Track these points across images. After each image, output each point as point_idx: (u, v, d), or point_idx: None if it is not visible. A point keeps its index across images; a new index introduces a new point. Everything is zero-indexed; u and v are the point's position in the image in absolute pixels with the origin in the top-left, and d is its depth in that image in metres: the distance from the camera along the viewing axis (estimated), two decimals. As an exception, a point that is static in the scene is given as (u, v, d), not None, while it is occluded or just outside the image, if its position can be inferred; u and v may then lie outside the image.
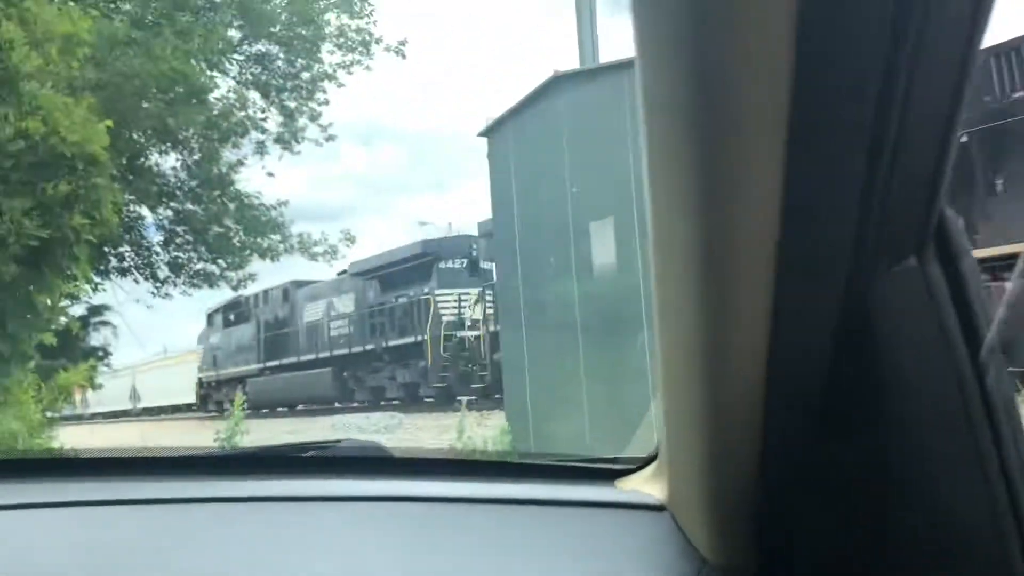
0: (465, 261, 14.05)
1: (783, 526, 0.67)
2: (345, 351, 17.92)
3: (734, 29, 0.44)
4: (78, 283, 5.78)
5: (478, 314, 13.86)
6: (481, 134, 8.75)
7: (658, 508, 0.88)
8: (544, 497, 0.97)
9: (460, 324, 14.96)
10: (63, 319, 5.93)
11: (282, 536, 0.89)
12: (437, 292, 15.15)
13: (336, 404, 17.60)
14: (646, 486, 0.93)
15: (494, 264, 9.31)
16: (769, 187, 0.48)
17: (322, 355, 18.64)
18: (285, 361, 19.68)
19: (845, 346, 0.55)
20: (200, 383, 23.56)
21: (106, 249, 10.97)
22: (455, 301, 14.80)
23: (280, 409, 20.07)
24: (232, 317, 21.65)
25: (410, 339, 15.56)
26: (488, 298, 12.68)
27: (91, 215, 4.84)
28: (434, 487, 0.98)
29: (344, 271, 17.14)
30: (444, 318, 14.84)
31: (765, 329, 0.53)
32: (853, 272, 0.52)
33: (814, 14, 0.43)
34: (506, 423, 8.55)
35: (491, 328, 12.67)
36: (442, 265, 14.99)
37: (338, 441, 1.26)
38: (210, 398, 23.23)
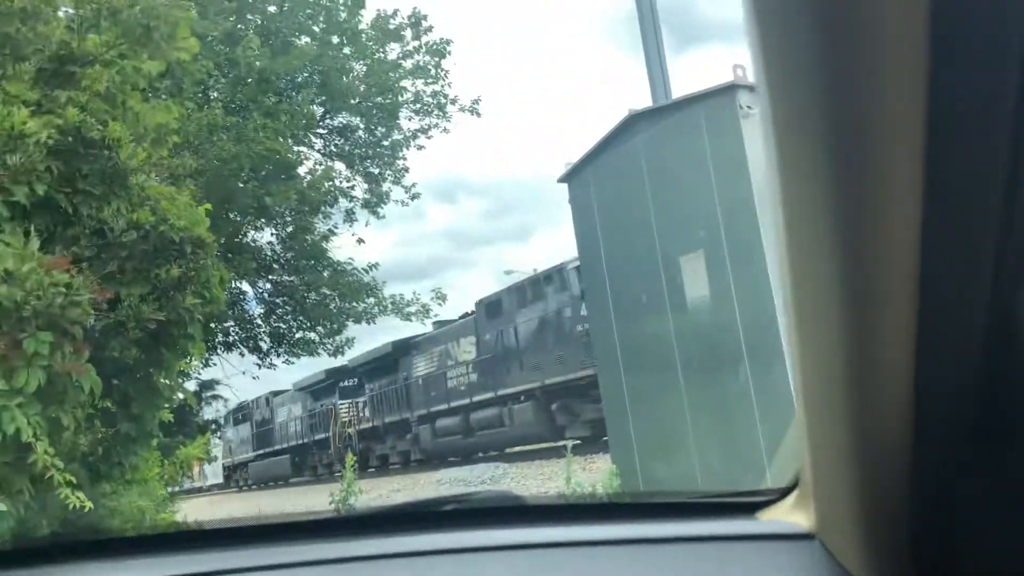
0: None
1: (940, 542, 0.67)
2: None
3: (864, 46, 0.44)
4: (193, 360, 6.03)
5: None
6: (561, 180, 8.83)
7: (806, 537, 0.88)
8: (685, 535, 0.97)
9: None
10: (181, 396, 6.18)
11: None
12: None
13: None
14: (789, 516, 0.92)
15: (585, 307, 9.32)
16: (908, 202, 0.48)
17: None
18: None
19: (994, 356, 0.55)
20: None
21: (212, 325, 11.43)
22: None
23: (385, 467, 21.07)
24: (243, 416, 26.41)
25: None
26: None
27: (202, 295, 5.07)
28: (576, 532, 0.99)
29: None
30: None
31: (911, 345, 0.53)
32: (998, 281, 0.51)
33: (947, 23, 0.42)
34: (612, 465, 8.46)
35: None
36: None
37: (475, 493, 1.28)
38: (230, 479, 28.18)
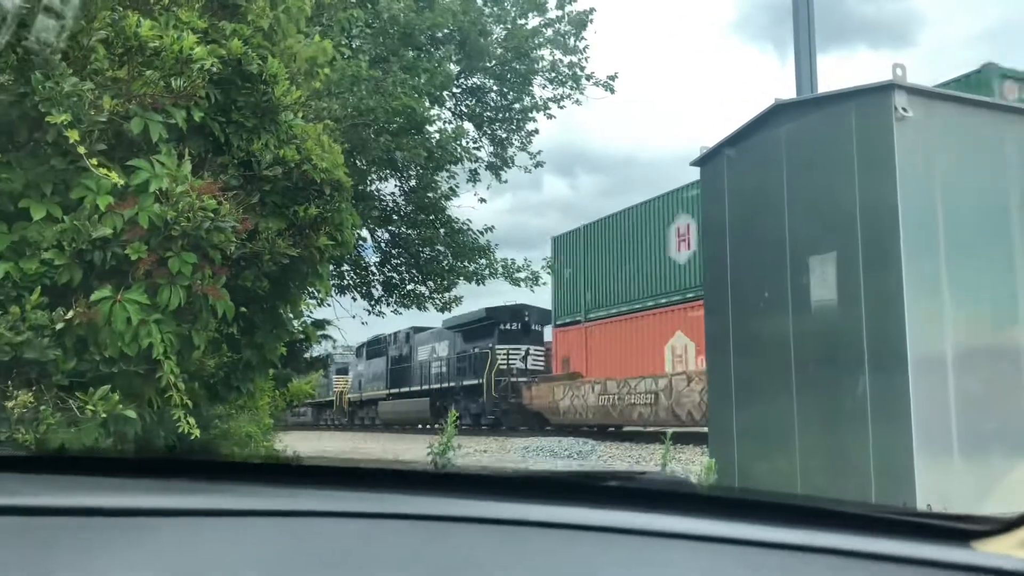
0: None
1: None
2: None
3: None
4: (320, 297, 6.19)
5: None
6: (695, 163, 8.63)
7: None
8: (884, 553, 0.89)
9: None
10: (301, 330, 6.36)
11: (581, 566, 0.86)
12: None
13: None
14: (1018, 551, 0.84)
15: (704, 294, 9.12)
16: None
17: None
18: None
19: None
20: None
21: (331, 268, 11.73)
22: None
23: (477, 426, 21.14)
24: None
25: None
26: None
27: (334, 236, 5.17)
28: (754, 531, 0.92)
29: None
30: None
31: None
32: None
33: None
34: (710, 459, 8.30)
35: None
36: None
37: (642, 473, 1.23)
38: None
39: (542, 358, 20.06)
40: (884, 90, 6.98)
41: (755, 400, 7.92)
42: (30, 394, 3.82)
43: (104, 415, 3.80)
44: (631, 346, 15.77)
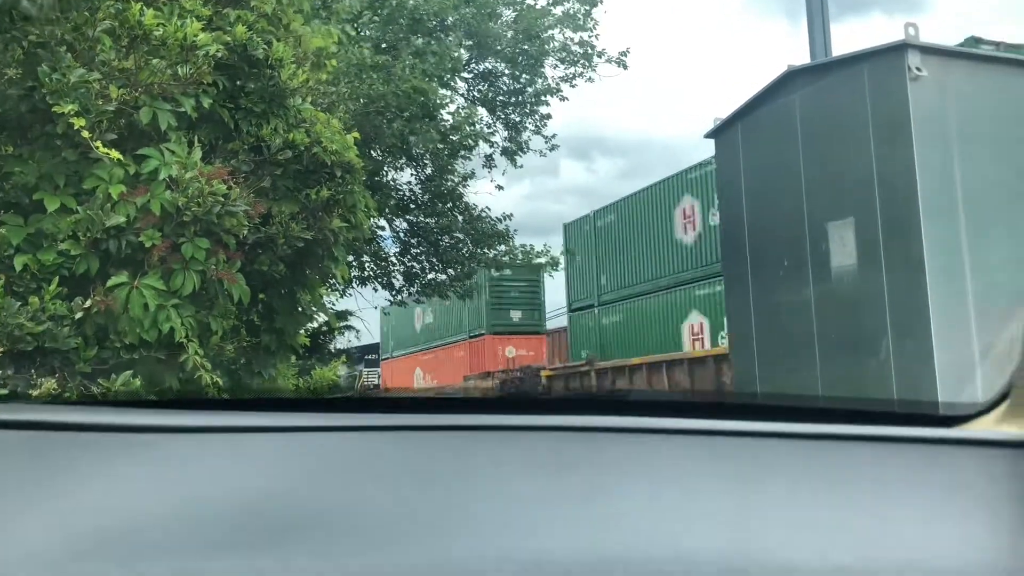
0: None
1: None
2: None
3: None
4: (341, 285, 6.23)
5: None
6: (708, 135, 8.57)
7: (1020, 444, 0.80)
8: (881, 435, 0.91)
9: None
10: (322, 317, 6.40)
11: (610, 464, 0.87)
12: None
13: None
14: (1001, 426, 0.85)
15: (723, 266, 9.07)
16: None
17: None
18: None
19: None
20: None
21: (350, 259, 11.78)
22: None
23: None
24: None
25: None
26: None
27: (347, 219, 5.20)
28: (761, 426, 0.94)
29: None
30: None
31: None
32: None
33: None
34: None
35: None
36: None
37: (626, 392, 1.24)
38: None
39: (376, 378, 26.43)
40: (896, 50, 6.89)
41: (779, 370, 7.87)
42: (53, 382, 3.88)
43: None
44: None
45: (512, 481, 0.85)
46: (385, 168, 13.22)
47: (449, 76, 13.11)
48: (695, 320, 14.53)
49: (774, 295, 7.93)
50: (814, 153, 7.60)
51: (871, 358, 6.96)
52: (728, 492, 0.83)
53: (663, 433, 0.92)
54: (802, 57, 12.40)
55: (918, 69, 6.84)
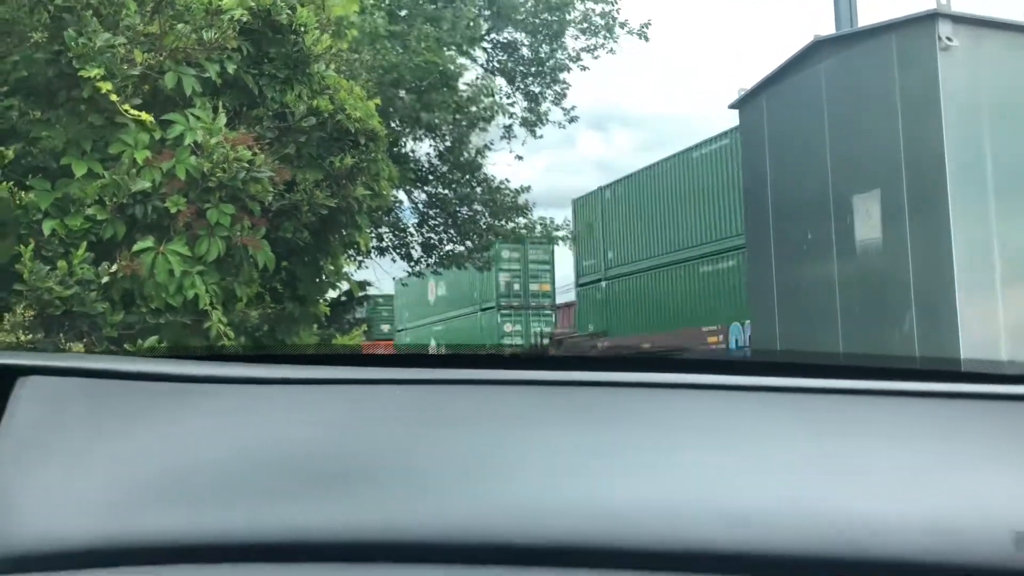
0: None
1: None
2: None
3: None
4: (362, 252, 6.22)
5: None
6: (732, 106, 8.47)
7: None
8: (945, 391, 0.90)
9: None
10: (344, 285, 6.41)
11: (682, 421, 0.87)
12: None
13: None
14: None
15: (745, 238, 9.00)
16: None
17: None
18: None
19: None
20: None
21: (369, 230, 11.77)
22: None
23: None
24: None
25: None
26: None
27: (371, 187, 5.18)
28: (794, 382, 0.93)
29: None
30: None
31: None
32: None
33: None
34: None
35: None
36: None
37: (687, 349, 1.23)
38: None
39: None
40: (927, 19, 6.76)
41: (800, 343, 7.83)
42: (82, 346, 3.90)
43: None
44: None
45: (563, 434, 0.84)
46: (403, 139, 13.17)
47: (467, 44, 13.00)
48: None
49: (797, 268, 7.87)
50: (840, 125, 7.50)
51: (895, 333, 6.91)
52: (799, 448, 0.82)
53: (728, 390, 0.90)
54: (827, 26, 12.22)
55: (949, 39, 6.71)
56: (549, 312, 21.02)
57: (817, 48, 7.72)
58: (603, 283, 16.83)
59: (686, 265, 14.52)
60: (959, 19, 6.76)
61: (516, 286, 21.46)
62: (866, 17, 10.09)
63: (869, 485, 0.77)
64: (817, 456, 0.80)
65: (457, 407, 0.89)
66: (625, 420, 0.86)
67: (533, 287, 21.48)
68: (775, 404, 0.88)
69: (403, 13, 12.07)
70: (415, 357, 1.25)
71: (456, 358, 1.15)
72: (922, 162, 6.77)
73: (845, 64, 7.50)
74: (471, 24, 12.37)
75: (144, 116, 3.99)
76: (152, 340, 4.06)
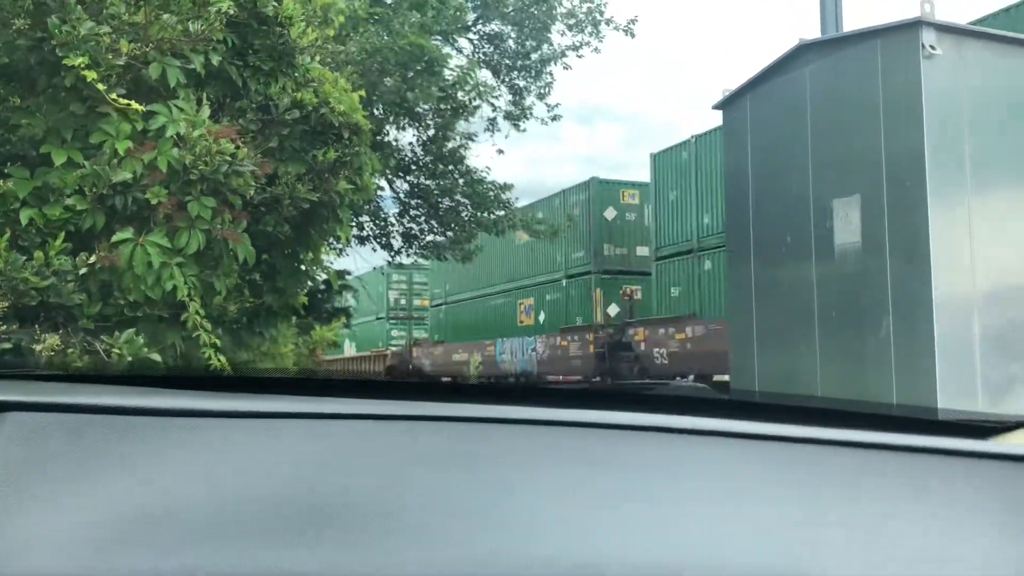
0: None
1: None
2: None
3: None
4: (341, 245, 6.21)
5: None
6: (716, 106, 8.50)
7: None
8: (913, 445, 0.90)
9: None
10: (323, 276, 6.39)
11: (614, 459, 0.87)
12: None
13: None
14: None
15: (725, 240, 9.05)
16: None
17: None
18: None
19: None
20: None
21: (351, 224, 11.70)
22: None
23: None
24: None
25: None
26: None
27: (353, 181, 5.15)
28: (780, 429, 0.93)
29: None
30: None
31: None
32: None
33: None
34: (731, 405, 8.30)
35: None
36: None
37: (665, 383, 1.23)
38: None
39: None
40: (911, 27, 6.81)
41: (777, 346, 7.89)
42: (57, 337, 3.86)
43: (130, 358, 3.85)
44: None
45: (554, 478, 0.84)
46: (386, 127, 13.10)
47: (452, 31, 12.93)
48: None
49: (776, 270, 7.92)
50: (823, 128, 7.55)
51: (871, 337, 6.97)
52: (779, 500, 0.82)
53: (715, 436, 0.91)
54: (813, 30, 12.29)
55: (932, 47, 6.77)
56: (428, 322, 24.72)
57: (802, 51, 7.76)
58: (443, 307, 21.25)
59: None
60: (943, 28, 6.82)
61: (403, 301, 26.43)
62: (852, 22, 10.15)
63: (814, 541, 0.77)
64: (799, 511, 0.81)
65: (447, 445, 0.88)
66: (618, 465, 0.86)
67: (416, 302, 26.20)
68: (758, 453, 0.89)
69: (388, 0, 12.00)
70: (406, 387, 1.25)
71: (447, 388, 1.15)
72: (903, 168, 6.83)
73: (829, 68, 7.55)
74: (456, 12, 12.30)
75: (133, 105, 3.94)
76: (129, 333, 4.03)
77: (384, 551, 0.74)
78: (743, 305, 8.28)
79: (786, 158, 7.79)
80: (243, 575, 0.71)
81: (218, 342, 4.45)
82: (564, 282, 17.02)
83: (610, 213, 16.53)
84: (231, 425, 0.88)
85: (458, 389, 1.20)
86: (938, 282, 6.56)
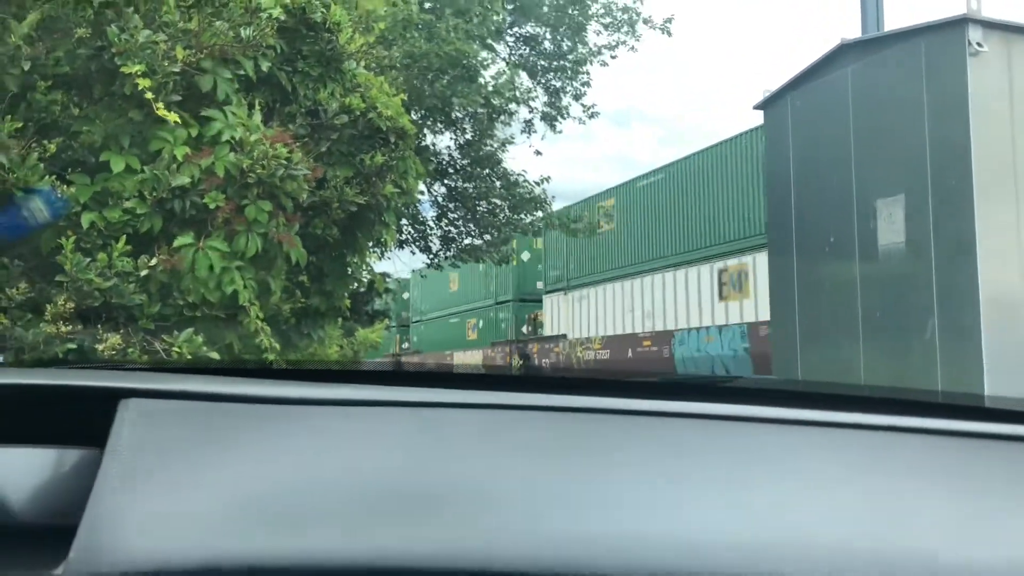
0: None
1: None
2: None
3: None
4: (384, 248, 6.30)
5: None
6: (758, 107, 8.47)
7: None
8: (974, 431, 0.93)
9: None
10: (367, 278, 6.47)
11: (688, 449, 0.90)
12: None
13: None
14: None
15: (768, 238, 9.00)
16: None
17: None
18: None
19: None
20: None
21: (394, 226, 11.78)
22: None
23: None
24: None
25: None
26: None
27: (399, 184, 5.22)
28: (843, 417, 0.95)
29: None
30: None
31: None
32: None
33: None
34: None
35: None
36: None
37: (735, 377, 1.26)
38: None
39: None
40: (957, 24, 6.75)
41: (820, 345, 7.85)
42: (118, 337, 3.97)
43: (189, 357, 3.94)
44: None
45: (644, 464, 0.87)
46: (424, 131, 13.19)
47: (492, 38, 13.00)
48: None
49: (818, 270, 7.87)
50: (865, 128, 7.50)
51: (916, 339, 6.91)
52: (851, 484, 0.85)
53: (784, 424, 0.94)
54: (853, 29, 12.16)
55: (979, 44, 6.70)
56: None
57: (844, 51, 7.71)
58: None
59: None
60: (990, 24, 6.75)
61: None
62: (892, 22, 10.05)
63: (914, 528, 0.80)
64: (859, 495, 0.84)
65: (542, 434, 0.92)
66: (690, 451, 0.89)
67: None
68: (804, 438, 0.92)
69: (428, 5, 12.08)
70: (497, 378, 1.29)
71: (535, 381, 1.19)
72: (948, 168, 6.77)
73: (872, 68, 7.49)
74: (497, 16, 12.35)
75: (172, 116, 4.04)
76: (188, 333, 4.12)
77: (489, 531, 0.77)
78: (785, 305, 8.24)
79: (828, 158, 7.74)
80: (354, 557, 0.74)
81: (277, 346, 4.54)
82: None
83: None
84: (339, 413, 0.91)
85: (544, 381, 1.23)
86: (985, 282, 6.49)
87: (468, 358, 21.69)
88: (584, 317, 18.07)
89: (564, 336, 18.44)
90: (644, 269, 16.27)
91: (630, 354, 15.59)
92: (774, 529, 0.79)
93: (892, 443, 0.92)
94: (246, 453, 0.84)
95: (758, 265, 12.12)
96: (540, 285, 20.76)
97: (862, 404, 1.08)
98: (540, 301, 20.48)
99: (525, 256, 21.23)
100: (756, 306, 12.45)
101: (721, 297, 13.96)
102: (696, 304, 14.56)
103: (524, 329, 21.06)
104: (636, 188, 17.77)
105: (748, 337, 12.51)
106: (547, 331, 19.56)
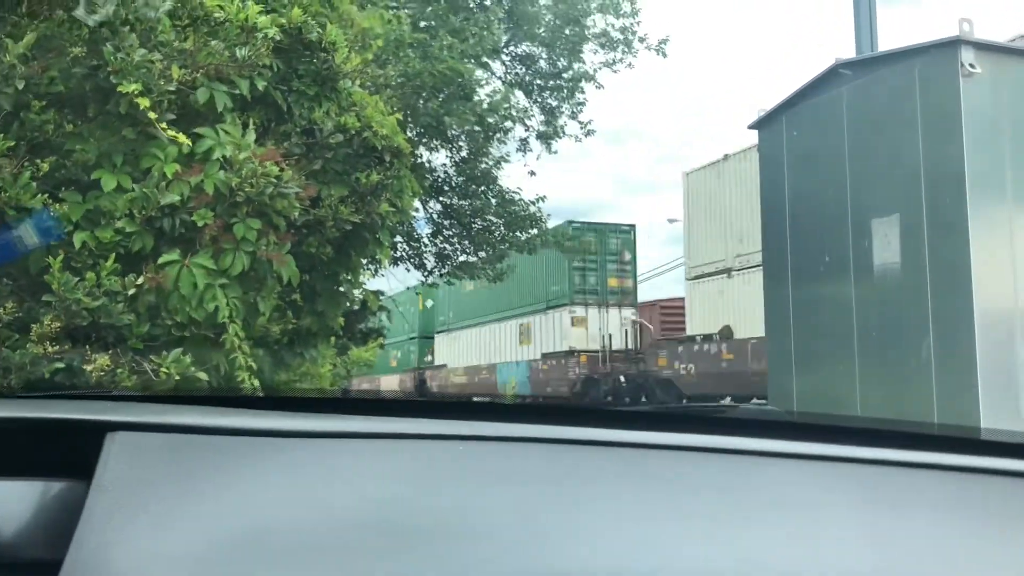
0: None
1: None
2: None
3: None
4: (380, 265, 6.29)
5: None
6: (752, 126, 8.49)
7: None
8: (975, 466, 0.91)
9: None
10: (360, 297, 6.45)
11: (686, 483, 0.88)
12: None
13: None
14: None
15: (762, 259, 9.01)
16: None
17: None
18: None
19: None
20: None
21: (388, 245, 11.79)
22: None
23: None
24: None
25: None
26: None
27: (394, 203, 5.21)
28: (845, 450, 0.94)
29: None
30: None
31: None
32: None
33: None
34: (768, 427, 8.22)
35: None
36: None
37: (734, 406, 1.24)
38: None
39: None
40: (950, 46, 6.77)
41: (816, 366, 7.83)
42: (107, 357, 3.93)
43: (177, 377, 3.91)
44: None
45: (630, 498, 0.86)
46: (420, 149, 13.21)
47: (487, 56, 13.05)
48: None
49: (813, 290, 7.87)
50: (860, 148, 7.51)
51: (911, 360, 6.89)
52: (845, 520, 0.83)
53: (775, 456, 0.92)
54: (847, 47, 12.25)
55: (972, 66, 6.72)
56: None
57: (838, 71, 7.73)
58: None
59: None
60: (982, 46, 6.77)
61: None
62: (886, 43, 10.11)
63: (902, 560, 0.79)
64: (861, 529, 0.82)
65: (533, 465, 0.90)
66: (678, 485, 0.87)
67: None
68: (796, 471, 0.90)
69: (423, 24, 12.13)
70: (491, 407, 1.27)
71: (531, 410, 1.17)
72: (943, 188, 6.77)
73: (866, 88, 7.51)
74: (493, 35, 12.40)
75: (181, 138, 4.03)
76: (176, 353, 4.09)
77: (474, 565, 0.75)
78: (780, 325, 8.23)
79: (823, 177, 7.75)
80: None
81: (254, 365, 4.50)
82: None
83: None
84: (330, 446, 0.90)
85: (541, 410, 1.22)
86: (980, 302, 6.48)
87: (390, 382, 28.99)
88: (456, 351, 26.07)
89: (444, 365, 26.35)
90: (484, 320, 24.21)
91: (476, 379, 23.74)
92: (762, 567, 0.78)
93: (887, 477, 0.90)
94: (233, 487, 0.82)
95: (538, 322, 21.40)
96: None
97: (856, 436, 1.06)
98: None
99: (429, 303, 28.24)
100: (537, 349, 21.12)
101: (520, 343, 22.21)
102: (509, 346, 22.81)
103: (427, 359, 28.35)
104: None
105: (529, 368, 21.08)
106: (436, 362, 27.61)
